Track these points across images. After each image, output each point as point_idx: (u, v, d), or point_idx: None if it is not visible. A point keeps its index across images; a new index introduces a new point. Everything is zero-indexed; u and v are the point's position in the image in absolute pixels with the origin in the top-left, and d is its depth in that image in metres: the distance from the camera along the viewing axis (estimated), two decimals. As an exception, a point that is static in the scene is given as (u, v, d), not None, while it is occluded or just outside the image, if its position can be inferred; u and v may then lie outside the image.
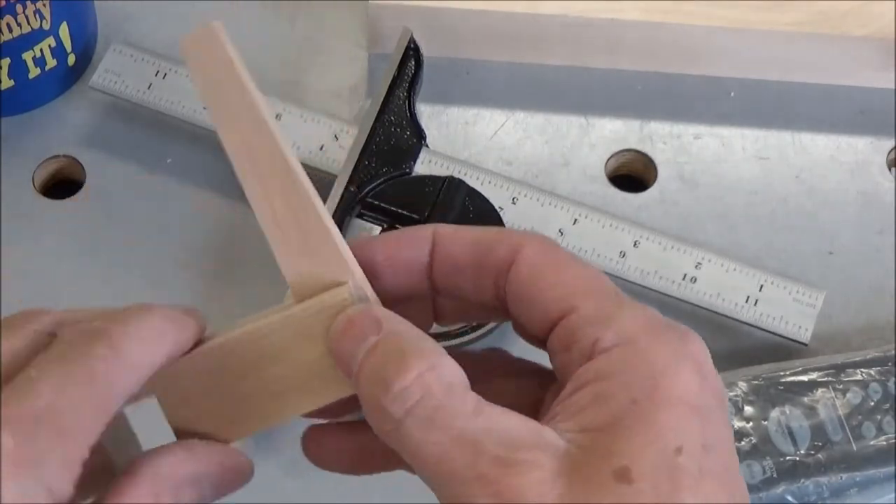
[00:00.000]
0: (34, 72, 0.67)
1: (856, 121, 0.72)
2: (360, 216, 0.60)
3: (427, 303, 0.38)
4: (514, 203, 0.61)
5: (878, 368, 0.60)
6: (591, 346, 0.32)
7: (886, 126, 0.71)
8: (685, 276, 0.61)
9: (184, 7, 0.73)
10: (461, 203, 0.60)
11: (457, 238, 0.36)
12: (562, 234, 0.61)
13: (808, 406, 0.59)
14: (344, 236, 0.38)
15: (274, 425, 0.36)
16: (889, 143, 0.71)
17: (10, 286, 0.63)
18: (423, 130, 0.63)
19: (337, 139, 0.63)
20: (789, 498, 0.57)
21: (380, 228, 0.59)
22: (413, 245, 0.36)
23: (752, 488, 0.57)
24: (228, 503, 0.36)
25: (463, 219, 0.58)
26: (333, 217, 0.58)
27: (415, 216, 0.59)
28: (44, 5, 0.64)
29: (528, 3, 0.69)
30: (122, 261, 0.66)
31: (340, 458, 0.37)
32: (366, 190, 0.60)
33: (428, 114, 0.69)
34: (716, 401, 0.32)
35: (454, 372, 0.32)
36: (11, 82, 0.67)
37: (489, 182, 0.62)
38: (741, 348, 0.64)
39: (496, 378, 0.37)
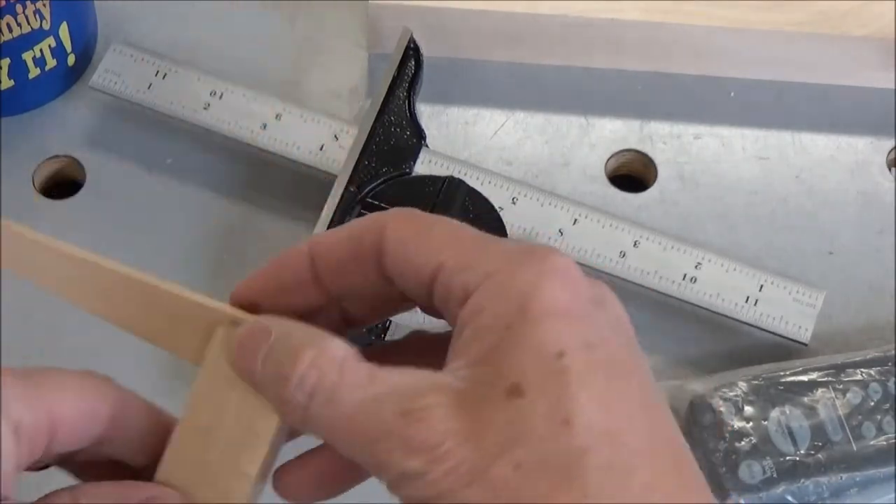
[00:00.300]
0: (34, 72, 0.67)
1: (856, 121, 0.72)
2: (361, 216, 0.58)
3: (332, 312, 0.39)
4: (514, 203, 0.61)
5: (878, 368, 0.60)
6: (461, 292, 0.33)
7: (886, 126, 0.71)
8: (685, 276, 0.61)
9: (184, 7, 0.73)
10: (461, 203, 0.60)
11: (331, 241, 0.37)
12: (562, 234, 0.61)
13: (808, 406, 0.59)
14: None
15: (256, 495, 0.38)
16: (889, 143, 0.71)
17: (9, 286, 0.63)
18: (422, 130, 0.63)
19: (337, 139, 0.63)
20: (789, 498, 0.57)
21: None
22: (289, 268, 0.37)
23: (753, 488, 0.57)
24: None
25: (462, 218, 0.55)
26: (333, 217, 0.59)
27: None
28: (44, 5, 0.64)
29: (528, 3, 0.69)
30: (121, 261, 0.65)
31: (309, 487, 0.38)
32: (366, 190, 0.60)
33: (428, 114, 0.69)
34: (592, 305, 0.33)
35: (343, 348, 0.34)
36: (11, 82, 0.67)
37: (489, 182, 0.62)
38: (741, 348, 0.64)
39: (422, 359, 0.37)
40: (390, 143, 0.62)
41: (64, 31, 0.67)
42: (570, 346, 0.32)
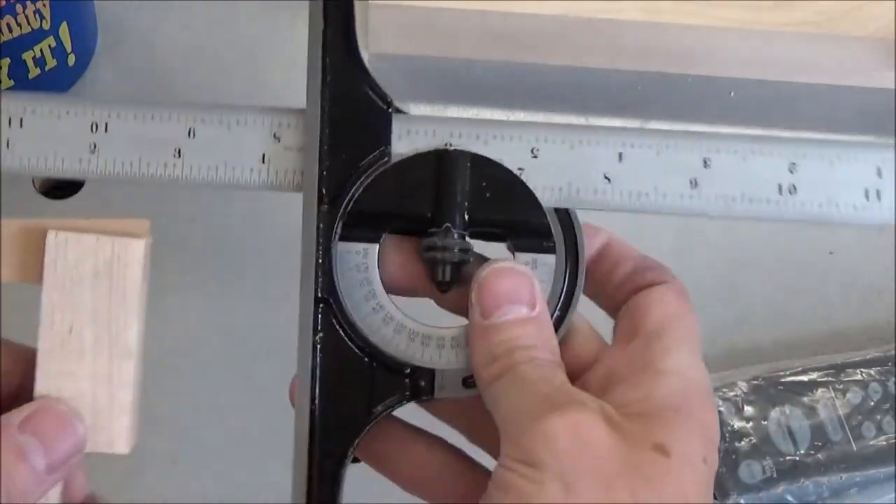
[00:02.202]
0: (34, 72, 0.67)
1: (856, 121, 0.72)
2: (344, 238, 0.43)
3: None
4: (534, 156, 0.45)
5: (878, 368, 0.60)
6: (656, 364, 0.39)
7: (886, 126, 0.71)
8: (780, 187, 0.45)
9: (184, 7, 0.73)
10: (469, 180, 0.44)
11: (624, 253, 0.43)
12: (609, 180, 0.44)
13: (808, 406, 0.59)
14: (334, 271, 0.41)
15: None
16: (889, 143, 0.71)
17: (9, 286, 0.63)
18: (384, 92, 0.45)
19: (279, 139, 0.45)
20: (789, 498, 0.57)
21: (377, 246, 0.43)
22: None
23: (753, 488, 0.57)
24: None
25: (480, 200, 0.43)
26: (318, 256, 0.43)
27: (419, 214, 0.43)
28: (44, 5, 0.64)
29: (528, 3, 0.69)
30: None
31: None
32: (343, 203, 0.43)
33: (428, 114, 0.69)
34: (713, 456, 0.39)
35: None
36: (11, 82, 0.67)
37: (494, 137, 0.45)
38: (741, 348, 0.64)
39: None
40: (352, 123, 0.45)
41: (64, 31, 0.67)
42: (709, 459, 0.38)
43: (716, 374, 0.61)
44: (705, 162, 0.45)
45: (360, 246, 0.43)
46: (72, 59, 0.69)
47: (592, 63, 0.72)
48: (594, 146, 0.45)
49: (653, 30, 0.69)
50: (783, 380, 0.60)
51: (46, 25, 0.65)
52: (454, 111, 0.70)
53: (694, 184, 0.45)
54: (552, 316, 0.41)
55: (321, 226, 0.43)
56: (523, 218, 0.42)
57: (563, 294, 0.42)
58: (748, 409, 0.58)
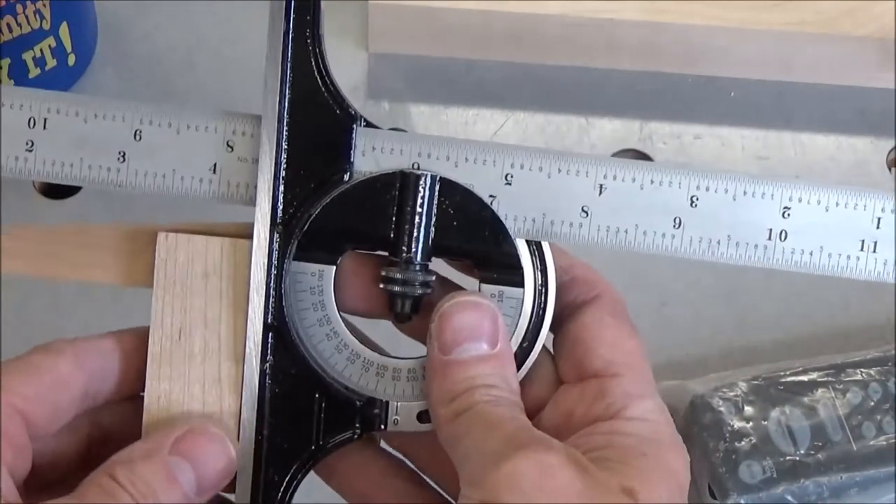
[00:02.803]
0: (34, 72, 0.67)
1: (856, 121, 0.72)
2: (299, 258, 0.40)
3: None
4: (508, 183, 0.41)
5: (878, 368, 0.60)
6: (618, 410, 0.37)
7: (886, 126, 0.71)
8: (770, 232, 0.43)
9: (184, 7, 0.73)
10: (437, 206, 0.41)
11: None
12: (586, 213, 0.41)
13: (808, 406, 0.59)
14: (284, 293, 0.40)
15: None
16: (889, 143, 0.71)
17: (10, 286, 0.63)
18: (348, 102, 0.41)
19: (231, 148, 0.41)
20: (789, 498, 0.57)
21: (333, 268, 0.41)
22: None
23: (753, 488, 0.57)
24: None
25: (446, 227, 0.40)
26: (270, 280, 0.40)
27: (379, 238, 0.41)
28: (44, 5, 0.64)
29: (528, 3, 0.69)
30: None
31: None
32: (300, 223, 0.40)
33: (428, 114, 0.69)
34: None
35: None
36: (11, 82, 0.67)
37: (466, 160, 0.41)
38: (741, 348, 0.64)
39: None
40: (311, 135, 0.41)
41: (64, 31, 0.67)
42: (679, 500, 0.37)
43: (716, 374, 0.61)
44: (692, 200, 0.42)
45: (316, 267, 0.40)
46: (72, 59, 0.69)
47: (592, 63, 0.72)
48: (573, 176, 0.42)
49: (653, 30, 0.69)
50: (783, 380, 0.60)
51: (46, 25, 0.65)
52: (454, 111, 0.70)
53: (678, 223, 0.42)
54: (518, 348, 0.40)
55: (272, 249, 0.40)
56: (491, 249, 0.40)
57: (530, 327, 0.40)
58: (748, 409, 0.58)
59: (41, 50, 0.66)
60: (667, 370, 0.63)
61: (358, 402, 0.40)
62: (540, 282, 0.40)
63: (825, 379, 0.60)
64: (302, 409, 0.39)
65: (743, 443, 0.57)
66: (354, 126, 0.41)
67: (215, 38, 0.72)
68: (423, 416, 0.40)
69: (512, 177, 0.41)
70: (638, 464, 0.35)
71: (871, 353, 0.61)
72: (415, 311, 0.40)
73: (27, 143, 0.41)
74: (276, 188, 0.40)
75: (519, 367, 0.40)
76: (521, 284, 0.40)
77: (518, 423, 0.36)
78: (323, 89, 0.40)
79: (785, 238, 0.43)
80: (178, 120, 0.41)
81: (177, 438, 0.37)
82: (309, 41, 0.41)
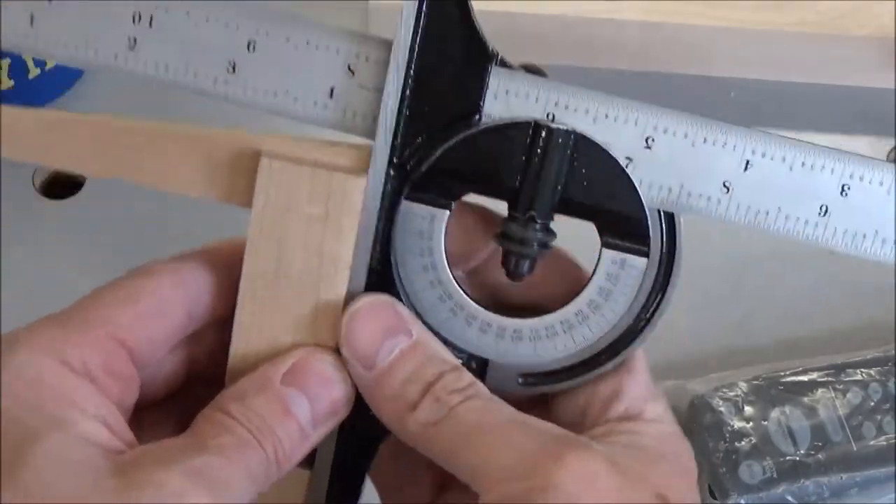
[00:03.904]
0: (34, 72, 0.67)
1: (856, 121, 0.72)
2: (411, 198, 0.37)
3: None
4: (647, 147, 0.38)
5: (878, 368, 0.60)
6: (637, 412, 0.37)
7: (886, 126, 0.71)
8: None
9: (184, 7, 0.73)
10: (567, 163, 0.37)
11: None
12: (728, 189, 0.38)
13: (808, 406, 0.59)
14: (392, 234, 0.37)
15: None
16: (889, 143, 0.71)
17: (10, 286, 0.63)
18: (485, 38, 0.38)
19: (353, 73, 0.37)
20: (789, 498, 0.57)
21: (447, 213, 0.37)
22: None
23: (753, 488, 0.57)
24: None
25: (574, 187, 0.37)
26: (378, 225, 0.37)
27: (503, 188, 0.37)
28: (44, 5, 0.64)
29: (528, 3, 0.69)
30: (122, 261, 0.65)
31: None
32: (418, 163, 0.37)
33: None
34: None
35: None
36: (11, 82, 0.67)
37: (606, 116, 0.38)
38: (741, 348, 0.64)
39: None
40: (442, 69, 0.37)
41: (64, 31, 0.67)
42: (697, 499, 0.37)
43: (716, 374, 0.61)
44: (843, 189, 0.38)
45: (428, 210, 0.37)
46: None
47: (592, 63, 0.72)
48: (719, 147, 0.38)
49: (653, 30, 0.70)
50: (783, 380, 0.60)
51: (46, 25, 0.65)
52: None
53: (824, 211, 0.38)
54: (634, 319, 0.38)
55: (386, 189, 0.37)
56: (620, 214, 0.37)
57: (649, 301, 0.38)
58: (748, 409, 0.58)
59: (41, 50, 0.66)
60: (667, 370, 0.63)
61: (458, 359, 0.37)
62: (667, 255, 0.38)
63: (825, 379, 0.60)
64: None
65: (743, 443, 0.57)
66: (489, 65, 0.37)
67: (215, 38, 0.72)
68: (526, 379, 0.38)
69: (653, 140, 0.38)
70: (661, 466, 0.35)
71: (871, 353, 0.61)
72: (530, 272, 0.37)
73: (129, 40, 0.37)
74: (398, 124, 0.36)
75: (629, 344, 0.38)
76: (645, 255, 0.37)
77: (517, 419, 0.35)
78: (460, 21, 0.37)
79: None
80: (298, 35, 0.38)
81: (288, 370, 0.35)
82: None
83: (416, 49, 0.37)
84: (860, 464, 0.58)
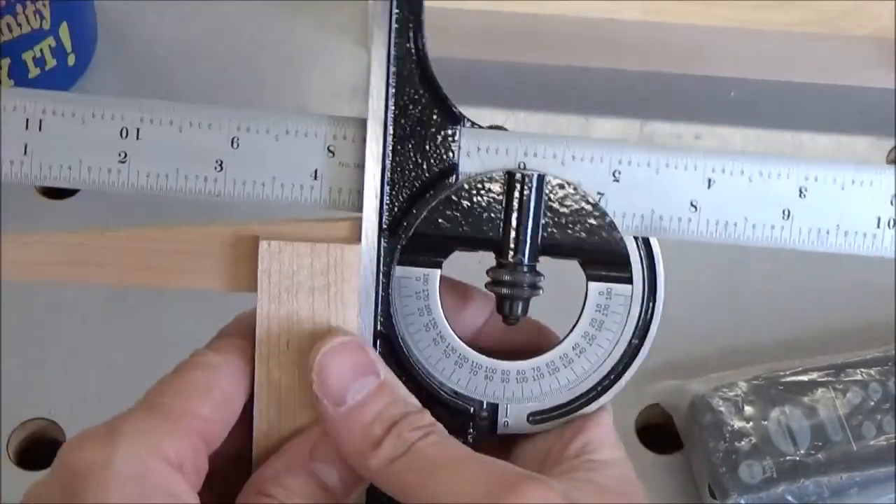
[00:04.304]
0: (34, 72, 0.67)
1: (856, 121, 0.72)
2: (404, 262, 0.40)
3: None
4: (615, 179, 0.41)
5: (878, 368, 0.60)
6: (596, 449, 0.38)
7: (886, 126, 0.71)
8: (879, 220, 0.42)
9: (184, 7, 0.73)
10: (544, 205, 0.40)
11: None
12: (695, 207, 0.41)
13: (808, 406, 0.59)
14: (391, 300, 0.39)
15: None
16: (889, 143, 0.71)
17: (10, 286, 0.63)
18: (450, 101, 0.41)
19: (333, 153, 0.40)
20: (789, 498, 0.57)
21: (438, 272, 0.40)
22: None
23: (753, 488, 0.57)
24: None
25: (554, 226, 0.40)
26: (377, 293, 0.40)
27: (486, 240, 0.40)
28: (44, 5, 0.64)
29: (528, 3, 0.69)
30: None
31: None
32: (406, 228, 0.40)
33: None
34: None
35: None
36: (11, 82, 0.67)
37: (573, 158, 0.41)
38: (741, 348, 0.64)
39: None
40: (416, 138, 0.40)
41: (64, 31, 0.67)
42: None
43: (716, 374, 0.61)
44: (801, 191, 0.41)
45: (421, 271, 0.39)
46: (72, 59, 0.69)
47: (592, 63, 0.72)
48: (681, 171, 0.41)
49: (653, 30, 0.70)
50: (783, 380, 0.60)
51: (46, 25, 0.65)
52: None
53: (787, 214, 0.41)
54: (627, 345, 0.39)
55: (381, 252, 0.39)
56: (600, 247, 0.39)
57: (639, 324, 0.40)
58: (748, 409, 0.58)
59: (41, 50, 0.66)
60: (667, 370, 0.63)
61: (469, 408, 0.40)
62: (648, 277, 0.40)
63: (825, 379, 0.60)
64: None
65: (743, 443, 0.57)
66: (459, 127, 0.40)
67: (215, 38, 0.72)
68: (534, 417, 0.40)
69: (620, 173, 0.41)
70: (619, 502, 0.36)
71: (871, 353, 0.61)
72: (524, 313, 0.40)
73: (120, 155, 0.39)
74: (382, 193, 0.39)
75: (629, 365, 0.40)
76: (629, 281, 0.40)
77: (475, 456, 0.36)
78: (427, 92, 0.40)
79: (893, 225, 0.42)
80: (277, 126, 0.40)
81: (314, 444, 0.37)
82: (411, 43, 0.40)
83: (389, 123, 0.40)
84: (860, 464, 0.58)
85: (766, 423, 0.58)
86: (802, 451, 0.58)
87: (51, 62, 0.68)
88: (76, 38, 0.68)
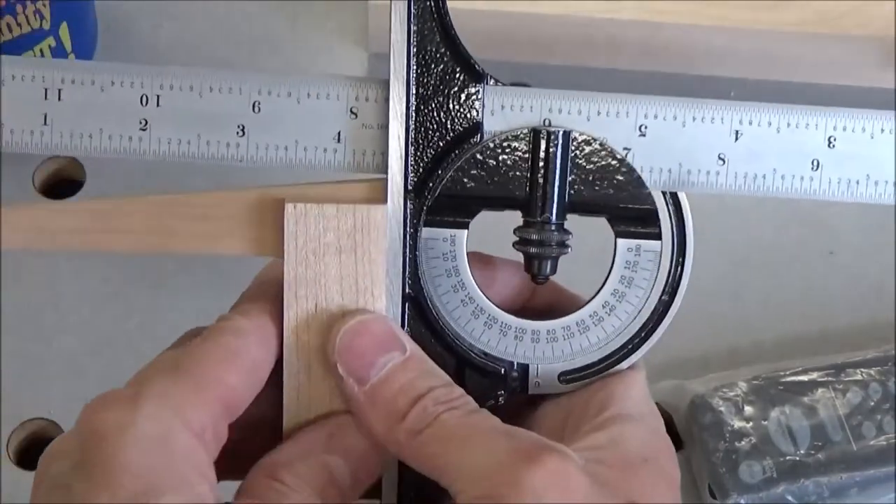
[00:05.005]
0: (34, 71, 0.67)
1: (856, 121, 0.72)
2: (430, 223, 0.40)
3: None
4: (642, 134, 0.40)
5: (878, 368, 0.60)
6: (619, 414, 0.37)
7: (886, 126, 0.71)
8: None
9: (184, 7, 0.73)
10: (570, 162, 0.40)
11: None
12: (723, 160, 0.41)
13: (808, 406, 0.59)
14: (418, 262, 0.39)
15: None
16: (889, 143, 0.71)
17: (10, 286, 0.63)
18: (473, 59, 0.41)
19: (356, 115, 0.40)
20: (789, 498, 0.57)
21: (465, 232, 0.39)
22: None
23: (753, 488, 0.57)
24: None
25: (580, 184, 0.39)
26: (405, 256, 0.39)
27: (513, 198, 0.40)
28: (44, 5, 0.64)
29: (528, 3, 0.69)
30: (121, 261, 0.66)
31: None
32: (431, 189, 0.39)
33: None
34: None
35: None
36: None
37: (598, 113, 0.40)
38: (741, 348, 0.64)
39: None
40: (440, 96, 0.40)
41: (64, 31, 0.67)
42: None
43: (716, 374, 0.61)
44: (829, 141, 0.41)
45: (448, 232, 0.39)
46: (72, 59, 0.69)
47: (592, 63, 0.72)
48: (708, 123, 0.40)
49: (653, 30, 0.70)
50: (783, 380, 0.60)
51: (46, 25, 0.65)
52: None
53: (816, 165, 0.41)
54: (658, 301, 0.39)
55: (407, 221, 0.39)
56: (627, 203, 0.39)
57: (669, 280, 0.40)
58: (748, 409, 0.58)
59: (41, 50, 0.66)
60: (667, 370, 0.63)
61: (500, 369, 0.39)
62: (677, 233, 0.40)
63: (825, 379, 0.60)
64: None
65: (743, 443, 0.57)
66: (482, 85, 0.40)
67: (215, 38, 0.72)
68: (565, 377, 0.39)
69: (646, 128, 0.40)
70: (640, 471, 0.35)
71: (871, 353, 0.61)
72: (553, 272, 0.39)
73: (140, 122, 0.39)
74: (406, 154, 0.39)
75: (659, 322, 0.40)
76: (658, 237, 0.39)
77: (498, 426, 0.36)
78: (448, 49, 0.40)
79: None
80: (299, 88, 0.39)
81: (328, 435, 0.37)
82: (430, 1, 0.40)
83: (412, 82, 0.39)
84: (860, 464, 0.58)
85: (766, 423, 0.58)
86: (802, 451, 0.58)
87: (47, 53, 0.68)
88: (76, 38, 0.68)
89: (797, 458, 0.57)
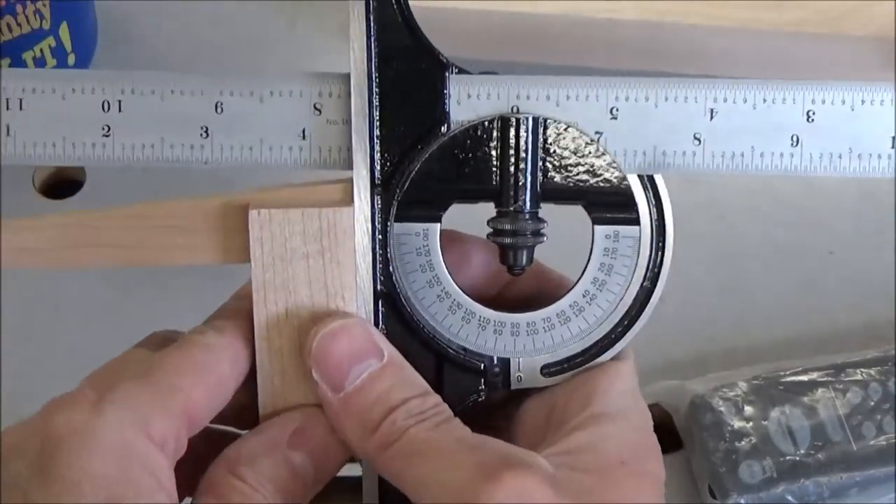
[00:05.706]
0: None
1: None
2: (401, 218, 0.39)
3: None
4: (613, 117, 0.39)
5: (878, 368, 0.60)
6: (601, 412, 0.36)
7: (886, 126, 0.71)
8: (894, 140, 0.40)
9: (184, 7, 0.73)
10: (541, 149, 0.39)
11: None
12: (699, 140, 0.39)
13: (808, 406, 0.59)
14: (391, 258, 0.38)
15: None
16: (889, 143, 0.71)
17: (10, 286, 0.63)
18: (437, 50, 0.39)
19: (319, 111, 0.39)
20: (789, 498, 0.57)
21: (438, 225, 0.39)
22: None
23: (753, 488, 0.57)
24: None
25: (553, 170, 0.38)
26: (374, 257, 0.38)
27: (485, 189, 0.39)
28: (44, 5, 0.64)
29: (528, 3, 0.69)
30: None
31: None
32: (400, 183, 0.38)
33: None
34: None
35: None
36: (11, 82, 0.67)
37: (567, 98, 0.39)
38: (741, 348, 0.64)
39: None
40: (404, 87, 0.39)
41: (64, 31, 0.67)
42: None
43: (716, 374, 0.61)
44: (808, 115, 0.39)
45: (420, 226, 0.38)
46: (72, 59, 0.69)
47: (592, 63, 0.72)
48: (681, 103, 0.39)
49: (653, 29, 0.70)
50: (783, 380, 0.60)
51: (46, 25, 0.66)
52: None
53: (795, 141, 0.39)
54: (639, 288, 0.38)
55: (375, 209, 0.38)
56: (603, 188, 0.38)
57: (649, 265, 0.38)
58: (748, 409, 0.58)
59: (41, 50, 0.66)
60: (667, 370, 0.63)
61: (479, 364, 0.38)
62: (656, 217, 0.38)
63: (825, 379, 0.60)
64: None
65: (743, 443, 0.57)
66: (447, 74, 0.39)
67: (215, 38, 0.72)
68: (548, 369, 0.39)
69: (617, 110, 0.39)
70: (617, 475, 0.35)
71: (871, 353, 0.61)
72: (529, 263, 0.39)
73: (103, 129, 0.38)
74: (372, 148, 0.38)
75: (642, 310, 0.39)
76: (636, 222, 0.38)
77: (466, 438, 0.35)
78: (410, 40, 0.39)
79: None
80: (261, 87, 0.39)
81: (294, 430, 0.36)
82: None
83: (374, 74, 0.38)
84: (860, 464, 0.58)
85: (766, 423, 0.58)
86: (802, 451, 0.58)
87: (51, 62, 0.68)
88: (76, 38, 0.68)
89: (797, 458, 0.57)
